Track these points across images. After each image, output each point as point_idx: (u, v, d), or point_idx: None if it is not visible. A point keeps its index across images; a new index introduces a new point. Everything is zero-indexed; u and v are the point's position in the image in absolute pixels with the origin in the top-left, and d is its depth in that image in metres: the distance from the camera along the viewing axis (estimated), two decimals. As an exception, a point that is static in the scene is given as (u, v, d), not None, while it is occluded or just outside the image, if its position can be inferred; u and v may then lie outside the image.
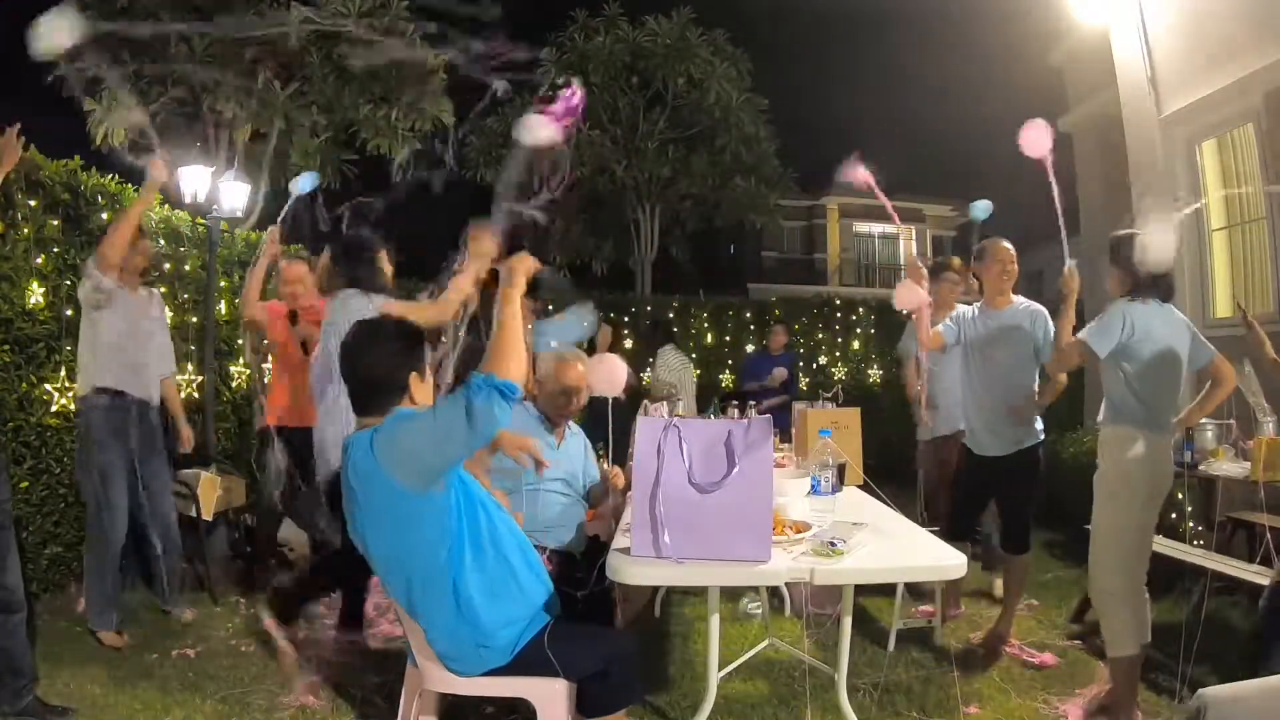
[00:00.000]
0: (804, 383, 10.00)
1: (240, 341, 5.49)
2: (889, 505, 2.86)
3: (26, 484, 3.67)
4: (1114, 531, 2.77)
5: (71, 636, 3.41)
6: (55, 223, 3.90)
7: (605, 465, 3.25)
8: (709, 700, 2.42)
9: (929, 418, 4.10)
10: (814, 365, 10.28)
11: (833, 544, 2.06)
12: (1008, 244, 3.55)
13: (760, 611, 3.71)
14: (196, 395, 5.00)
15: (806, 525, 2.28)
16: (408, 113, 10.16)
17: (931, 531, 2.60)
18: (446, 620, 1.91)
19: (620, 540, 2.26)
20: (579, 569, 2.58)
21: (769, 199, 15.42)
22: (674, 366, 7.12)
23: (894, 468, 3.87)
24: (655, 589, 3.69)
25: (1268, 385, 3.60)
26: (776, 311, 10.47)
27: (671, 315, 10.24)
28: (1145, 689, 2.96)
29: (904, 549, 2.27)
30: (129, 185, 4.71)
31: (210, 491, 4.15)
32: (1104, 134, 7.44)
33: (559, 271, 15.41)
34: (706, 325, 10.23)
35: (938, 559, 2.13)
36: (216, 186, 5.93)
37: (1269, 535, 3.26)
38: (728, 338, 10.30)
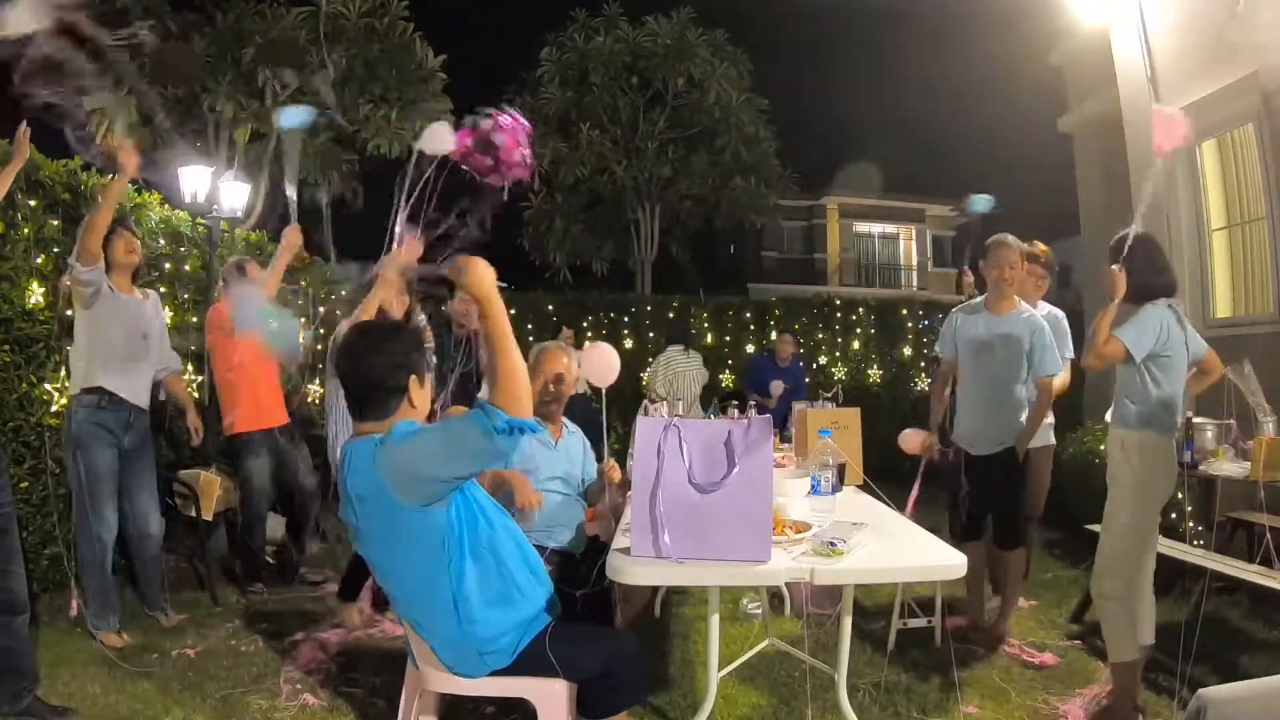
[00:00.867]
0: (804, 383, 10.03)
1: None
2: (889, 505, 2.86)
3: (26, 484, 3.67)
4: (1129, 538, 2.75)
5: (71, 636, 3.40)
6: (55, 223, 3.90)
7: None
8: (709, 700, 2.42)
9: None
10: (814, 365, 10.27)
11: (833, 544, 2.06)
12: (1012, 243, 3.43)
13: (760, 611, 3.71)
14: (196, 395, 5.00)
15: (806, 525, 2.28)
16: (407, 112, 10.16)
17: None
18: (447, 629, 1.91)
19: (620, 540, 2.26)
20: (579, 569, 2.58)
21: (769, 199, 15.43)
22: (677, 369, 7.07)
23: (894, 468, 3.86)
24: (655, 589, 3.69)
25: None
26: (777, 312, 10.47)
27: (671, 315, 10.24)
28: (1145, 689, 2.96)
29: (904, 549, 2.27)
30: (128, 185, 4.72)
31: (210, 491, 4.16)
32: (1104, 134, 7.44)
33: (558, 275, 15.43)
34: (706, 325, 10.23)
35: (938, 559, 2.13)
36: (216, 186, 5.93)
37: (1269, 535, 3.26)
38: (728, 338, 10.30)
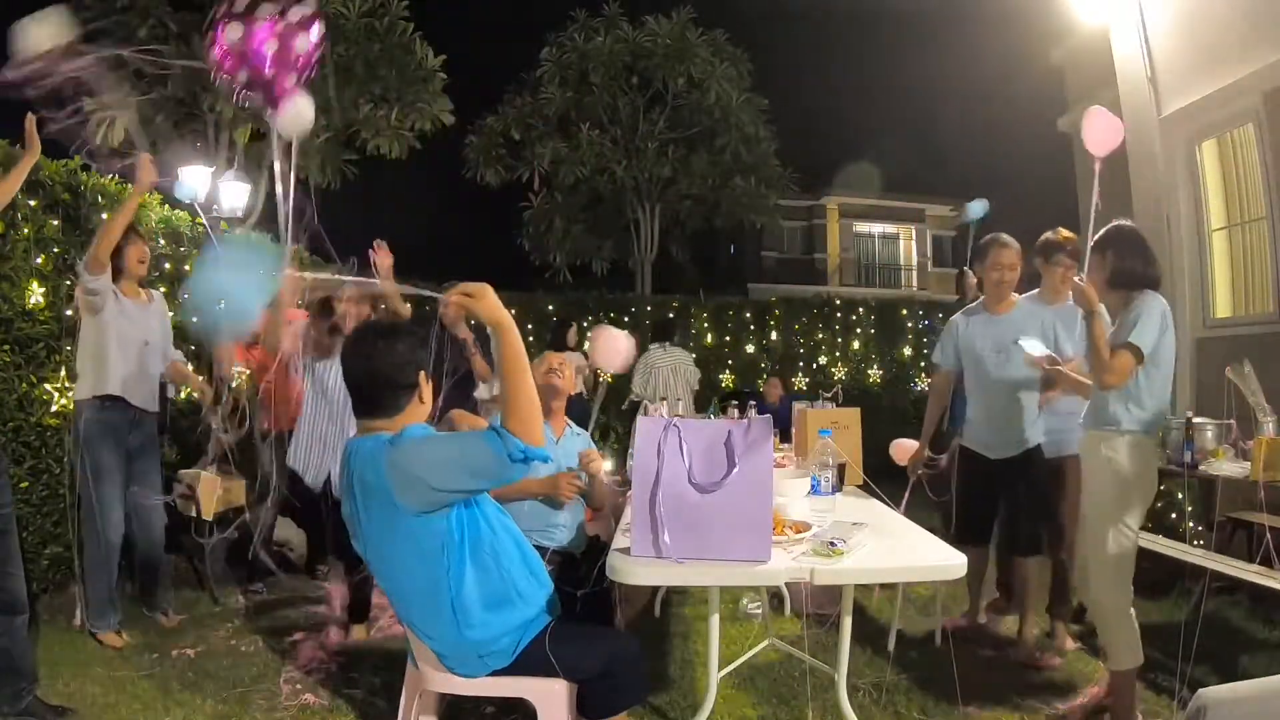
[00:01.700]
0: (804, 383, 10.03)
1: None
2: (889, 505, 2.86)
3: (27, 484, 3.67)
4: (1121, 547, 2.64)
5: (71, 636, 3.40)
6: (55, 223, 3.90)
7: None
8: (709, 700, 2.42)
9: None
10: (814, 365, 10.28)
11: (833, 544, 2.06)
12: (1009, 243, 3.38)
13: (760, 611, 3.71)
14: (196, 395, 5.00)
15: (806, 525, 2.28)
16: (407, 112, 10.16)
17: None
18: (445, 632, 1.91)
19: (620, 540, 2.26)
20: (579, 569, 2.58)
21: (769, 199, 15.44)
22: (653, 366, 7.02)
23: (894, 468, 3.86)
24: (655, 589, 3.69)
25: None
26: (777, 312, 10.47)
27: (671, 315, 10.25)
28: (1145, 689, 2.96)
29: (904, 549, 2.27)
30: (128, 185, 4.72)
31: (210, 491, 4.15)
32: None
33: (558, 275, 15.43)
34: (706, 325, 10.23)
35: (938, 559, 2.13)
36: (216, 186, 5.94)
37: (1269, 535, 3.26)
38: (728, 338, 10.30)
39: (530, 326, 9.21)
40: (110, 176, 4.33)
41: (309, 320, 3.78)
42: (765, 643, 3.20)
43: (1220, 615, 3.62)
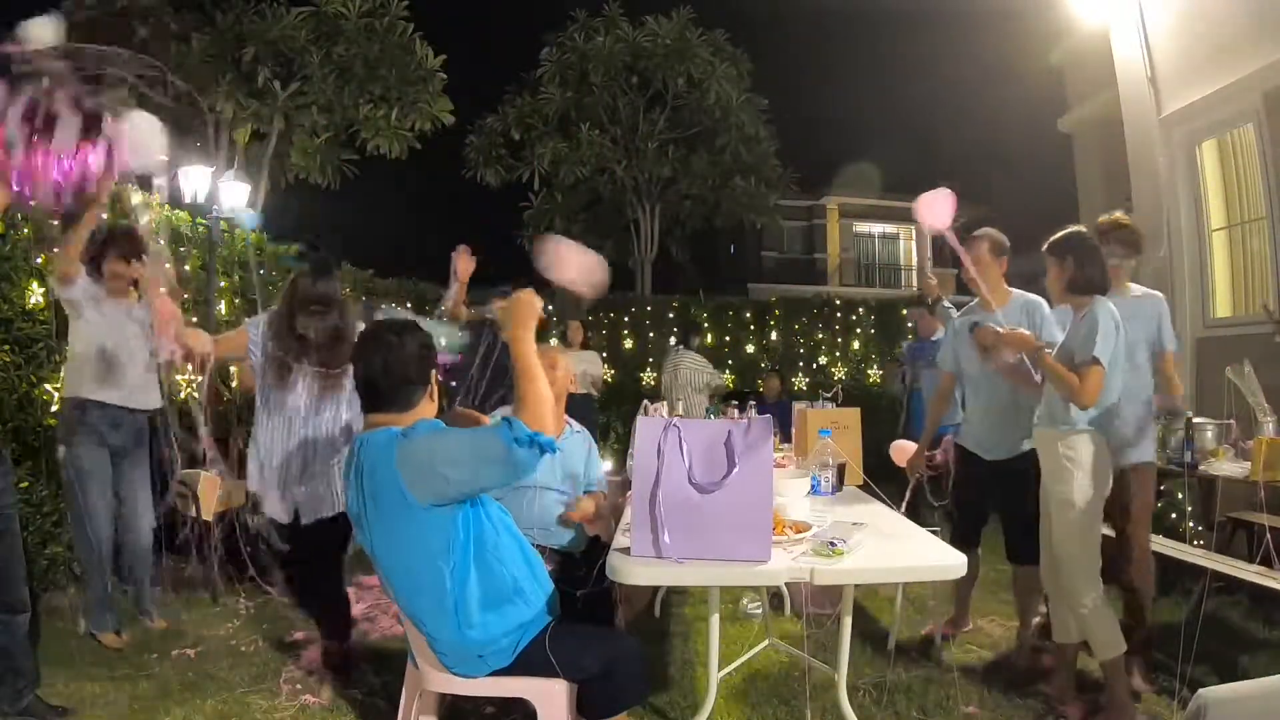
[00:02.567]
0: (804, 383, 10.03)
1: None
2: (889, 505, 2.86)
3: (27, 484, 3.67)
4: (1087, 537, 2.71)
5: (71, 636, 3.40)
6: (55, 223, 3.90)
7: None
8: (709, 700, 2.42)
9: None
10: (814, 365, 10.28)
11: (833, 544, 2.06)
12: (977, 236, 3.38)
13: (760, 611, 3.71)
14: (196, 395, 5.00)
15: (806, 525, 2.28)
16: (407, 112, 10.16)
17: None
18: (446, 631, 1.92)
19: (620, 540, 2.26)
20: (579, 569, 2.58)
21: (769, 199, 15.44)
22: (670, 366, 7.21)
23: (894, 468, 3.87)
24: (655, 589, 3.69)
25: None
26: (777, 312, 10.47)
27: (671, 315, 10.25)
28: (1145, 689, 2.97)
29: (904, 549, 2.27)
30: (128, 185, 4.72)
31: (210, 491, 4.15)
32: (1104, 134, 7.44)
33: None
34: (707, 325, 10.23)
35: (938, 559, 2.13)
36: (216, 186, 5.94)
37: (1269, 535, 3.26)
38: (728, 338, 10.30)
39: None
40: (110, 177, 4.33)
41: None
42: (765, 643, 3.20)
43: (1220, 615, 3.62)
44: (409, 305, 9.34)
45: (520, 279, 2.38)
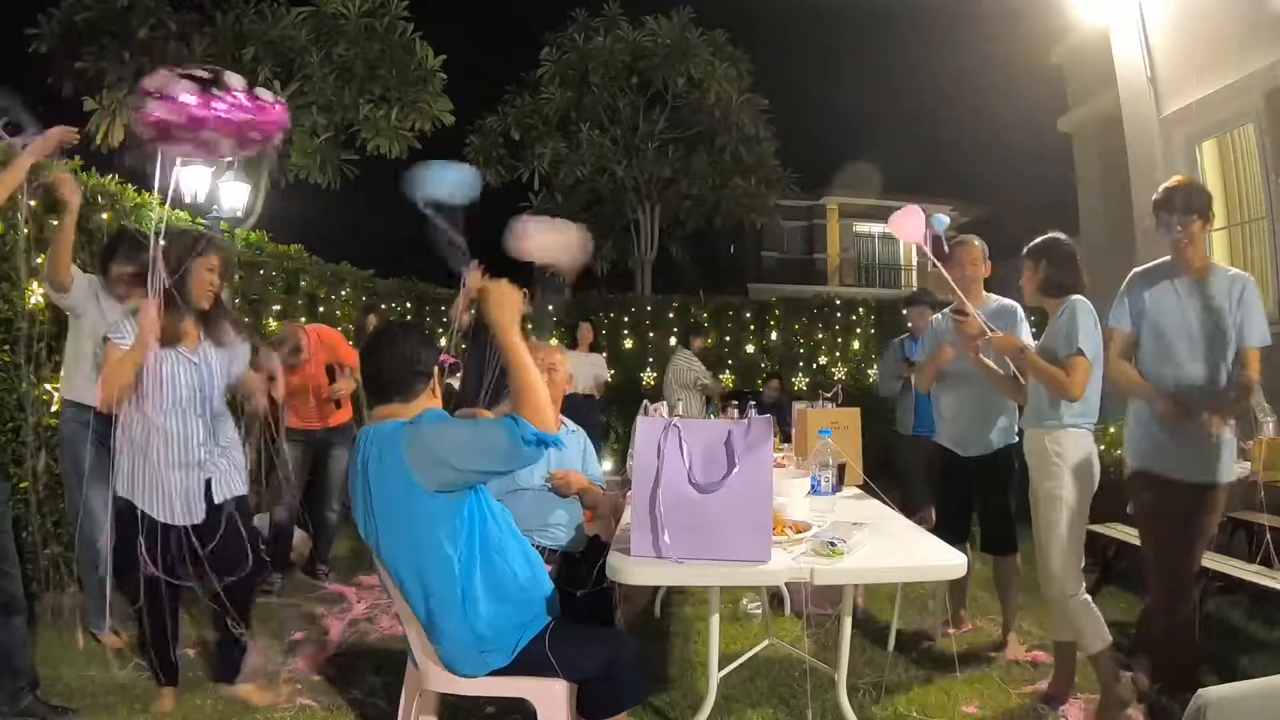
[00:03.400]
0: (804, 383, 10.03)
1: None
2: (889, 505, 2.86)
3: (27, 484, 3.67)
4: (1074, 538, 2.76)
5: (71, 636, 3.40)
6: (55, 223, 3.90)
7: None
8: (709, 700, 2.42)
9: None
10: (814, 365, 10.28)
11: (833, 544, 2.06)
12: (972, 242, 3.51)
13: (760, 611, 3.71)
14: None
15: (806, 525, 2.28)
16: (407, 112, 10.16)
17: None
18: (451, 623, 1.92)
19: (620, 540, 2.26)
20: (579, 569, 2.58)
21: (769, 199, 15.44)
22: (671, 366, 7.27)
23: (894, 468, 3.87)
24: (655, 589, 3.69)
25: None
26: (777, 312, 10.47)
27: (671, 315, 10.24)
28: (1145, 689, 2.97)
29: (904, 549, 2.27)
30: (128, 185, 4.72)
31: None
32: (1104, 134, 7.44)
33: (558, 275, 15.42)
34: (707, 325, 10.23)
35: (938, 559, 2.14)
36: (216, 186, 5.95)
37: (1269, 535, 3.26)
38: (728, 338, 10.29)
39: (530, 326, 9.21)
40: (110, 176, 4.33)
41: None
42: (765, 643, 3.20)
43: (1220, 615, 3.62)
44: (409, 305, 9.34)
45: (481, 262, 2.35)
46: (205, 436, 2.79)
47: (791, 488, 2.62)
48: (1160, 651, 2.67)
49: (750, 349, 10.26)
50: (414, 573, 1.94)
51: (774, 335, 10.36)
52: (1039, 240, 2.98)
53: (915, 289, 22.49)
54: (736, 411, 4.54)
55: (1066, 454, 2.76)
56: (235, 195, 7.87)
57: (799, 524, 2.29)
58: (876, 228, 24.36)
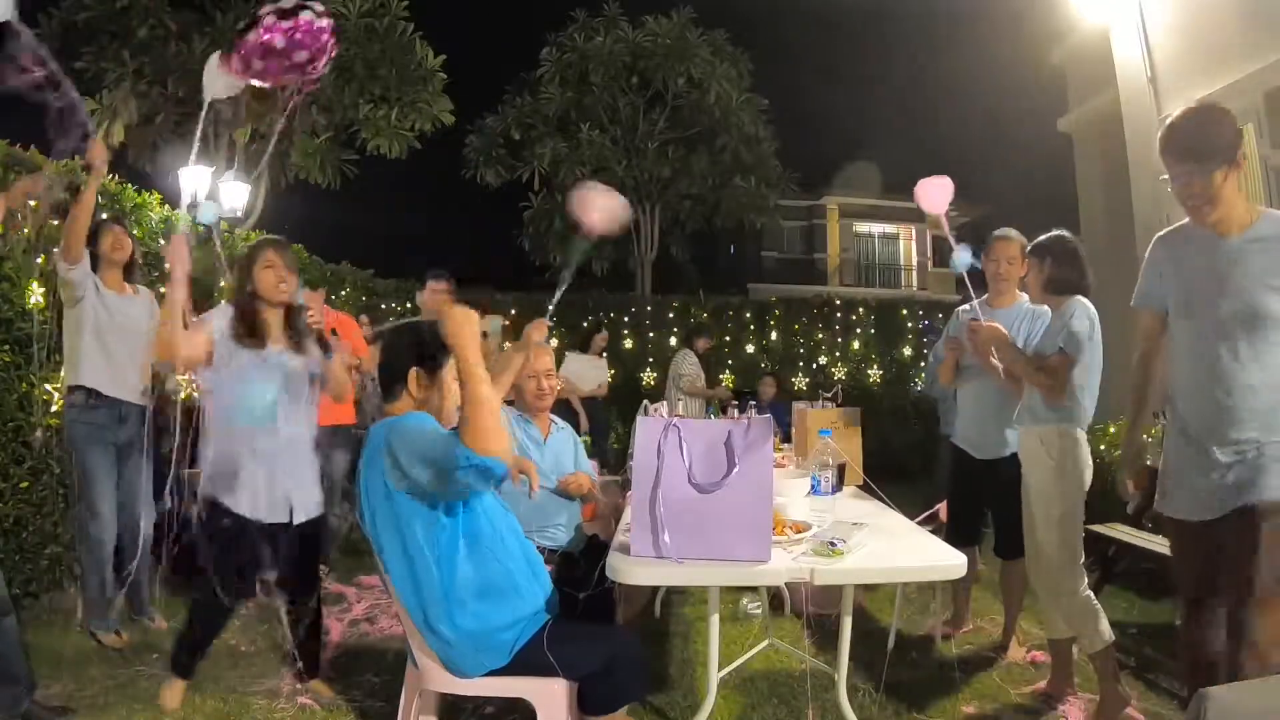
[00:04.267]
0: (804, 383, 10.03)
1: None
2: (889, 505, 2.86)
3: (27, 484, 3.67)
4: (1070, 530, 2.75)
5: (71, 636, 3.40)
6: (55, 223, 3.90)
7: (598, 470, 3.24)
8: (709, 700, 2.42)
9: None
10: (814, 365, 10.28)
11: (833, 544, 2.06)
12: (1012, 237, 3.37)
13: (760, 611, 3.71)
14: (197, 395, 5.00)
15: (806, 525, 2.28)
16: (407, 113, 10.16)
17: None
18: (442, 625, 1.93)
19: (620, 540, 2.26)
20: (579, 569, 2.59)
21: (769, 199, 15.44)
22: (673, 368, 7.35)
23: (894, 468, 3.87)
24: (655, 589, 3.69)
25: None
26: (777, 312, 10.47)
27: (671, 315, 10.25)
28: (1145, 689, 2.97)
29: (904, 549, 2.27)
30: (129, 185, 4.72)
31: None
32: (1104, 134, 7.44)
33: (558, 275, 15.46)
34: (707, 327, 10.24)
35: (938, 559, 2.13)
36: (216, 186, 5.94)
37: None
38: (728, 338, 10.29)
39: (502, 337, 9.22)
40: (110, 176, 4.33)
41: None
42: (765, 643, 3.20)
43: (1220, 615, 3.62)
44: (409, 305, 9.34)
45: (439, 272, 2.44)
46: (279, 440, 2.75)
47: (791, 488, 2.62)
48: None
49: (750, 349, 10.26)
50: (403, 572, 1.96)
51: (774, 335, 10.37)
52: (1045, 237, 2.94)
53: (916, 289, 22.53)
54: (736, 411, 4.54)
55: (1058, 451, 2.75)
56: (235, 195, 7.87)
57: (799, 524, 2.28)
58: (876, 228, 24.37)
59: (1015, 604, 3.41)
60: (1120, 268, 3.20)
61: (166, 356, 2.66)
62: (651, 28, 14.35)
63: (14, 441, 3.62)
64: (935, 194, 3.03)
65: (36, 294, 3.75)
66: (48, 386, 3.80)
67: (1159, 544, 3.95)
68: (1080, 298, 2.82)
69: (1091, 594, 2.76)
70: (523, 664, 1.95)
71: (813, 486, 2.60)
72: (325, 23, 2.38)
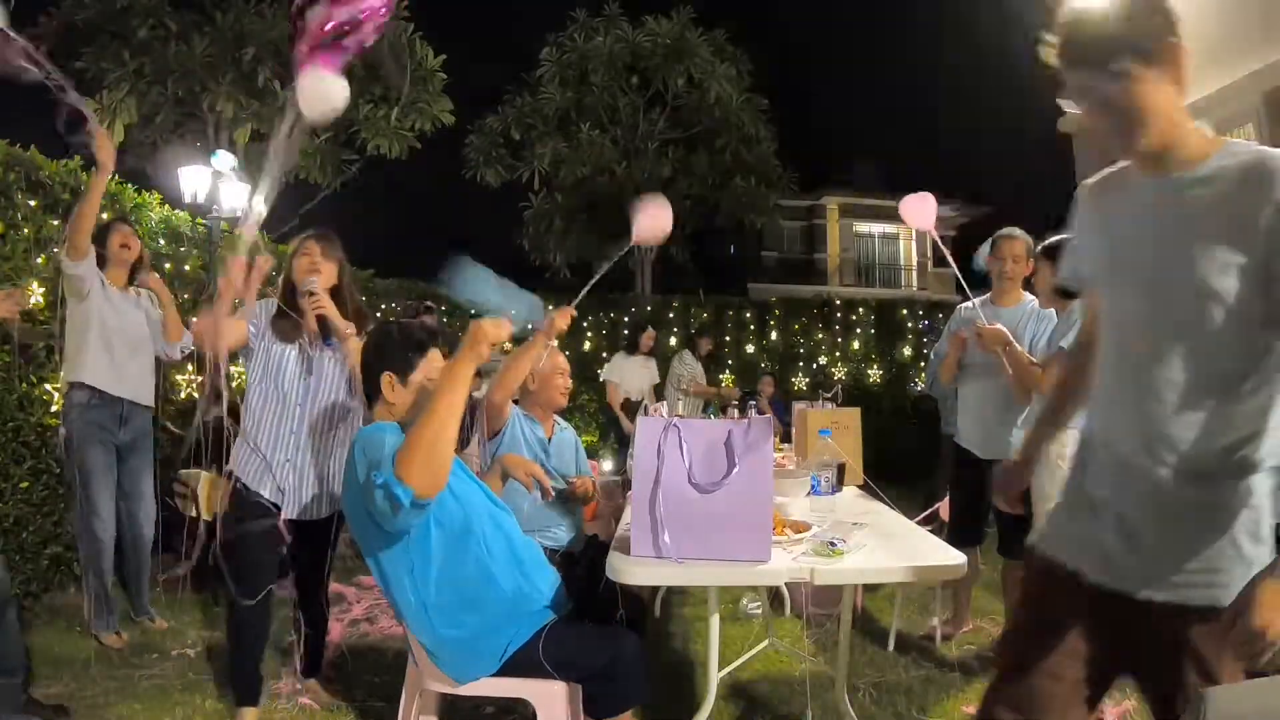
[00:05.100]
0: (804, 383, 10.03)
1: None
2: (889, 505, 2.86)
3: (27, 484, 3.67)
4: None
5: (71, 636, 3.41)
6: (55, 223, 3.90)
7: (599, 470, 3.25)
8: (709, 700, 2.42)
9: None
10: (814, 365, 10.28)
11: (833, 544, 2.06)
12: (1018, 236, 3.35)
13: (760, 611, 3.71)
14: (197, 395, 5.00)
15: (806, 525, 2.28)
16: (407, 113, 10.16)
17: None
18: (424, 630, 1.94)
19: (620, 540, 2.26)
20: (579, 569, 2.58)
21: (769, 199, 15.43)
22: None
23: (894, 468, 3.87)
24: (655, 589, 3.69)
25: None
26: (777, 312, 10.47)
27: (671, 315, 10.24)
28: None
29: (904, 549, 2.27)
30: (128, 185, 4.72)
31: (210, 491, 4.15)
32: (1104, 134, 7.43)
33: (558, 275, 15.46)
34: (708, 327, 10.24)
35: (938, 559, 2.13)
36: (216, 186, 5.95)
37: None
38: (727, 338, 10.29)
39: (530, 326, 9.20)
40: (110, 176, 4.32)
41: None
42: (765, 643, 3.20)
43: (1220, 615, 3.62)
44: (409, 305, 9.34)
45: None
46: (304, 433, 2.66)
47: (791, 488, 2.62)
48: None
49: (750, 349, 10.26)
50: (383, 583, 1.97)
51: (774, 335, 10.37)
52: (1056, 239, 2.88)
53: (916, 289, 22.52)
54: (736, 412, 4.54)
55: (1067, 455, 2.73)
56: (235, 195, 7.86)
57: (799, 524, 2.28)
58: (876, 227, 24.37)
59: (1010, 603, 3.40)
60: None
61: (206, 344, 2.49)
62: (651, 27, 14.34)
63: (14, 441, 3.63)
64: (918, 210, 3.06)
65: (36, 294, 3.75)
66: (47, 386, 3.80)
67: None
68: (1079, 304, 2.81)
69: None
70: (520, 667, 1.95)
71: (813, 486, 2.60)
72: None
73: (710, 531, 2.00)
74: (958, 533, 3.40)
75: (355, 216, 14.87)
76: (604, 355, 9.88)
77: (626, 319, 10.15)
